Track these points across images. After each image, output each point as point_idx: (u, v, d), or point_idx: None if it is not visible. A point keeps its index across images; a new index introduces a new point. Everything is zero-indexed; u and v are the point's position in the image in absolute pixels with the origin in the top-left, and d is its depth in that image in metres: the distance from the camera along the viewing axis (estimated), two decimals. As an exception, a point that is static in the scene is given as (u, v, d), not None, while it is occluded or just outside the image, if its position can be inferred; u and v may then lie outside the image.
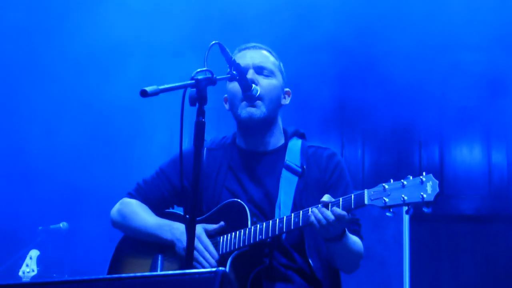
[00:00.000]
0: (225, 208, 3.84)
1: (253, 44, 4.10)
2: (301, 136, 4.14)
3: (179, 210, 4.13)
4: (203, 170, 3.95)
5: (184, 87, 3.13)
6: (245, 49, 4.08)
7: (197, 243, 3.69)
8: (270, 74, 3.98)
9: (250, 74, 3.89)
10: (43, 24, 8.15)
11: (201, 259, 3.67)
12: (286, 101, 4.11)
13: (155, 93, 3.05)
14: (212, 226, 3.79)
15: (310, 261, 3.73)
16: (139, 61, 8.09)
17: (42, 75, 8.11)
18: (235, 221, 3.72)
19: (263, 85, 3.90)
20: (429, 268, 7.90)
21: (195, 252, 3.67)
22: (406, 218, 6.48)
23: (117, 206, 4.16)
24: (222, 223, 3.78)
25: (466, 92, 8.28)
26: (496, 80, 8.17)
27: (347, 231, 3.61)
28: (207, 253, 3.68)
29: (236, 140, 4.13)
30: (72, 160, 8.06)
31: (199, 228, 3.75)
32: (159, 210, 4.10)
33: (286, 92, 4.11)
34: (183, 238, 3.67)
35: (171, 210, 4.17)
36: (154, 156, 7.99)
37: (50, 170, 7.96)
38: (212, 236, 3.77)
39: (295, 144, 4.05)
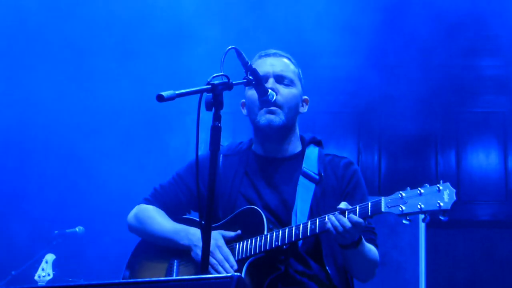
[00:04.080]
0: (242, 214, 3.83)
1: (274, 51, 4.08)
2: (318, 143, 4.12)
3: (196, 216, 4.12)
4: (219, 176, 3.94)
5: (200, 92, 3.12)
6: (265, 56, 4.05)
7: (217, 252, 3.70)
8: (290, 83, 3.97)
9: (270, 83, 3.87)
10: (62, 25, 8.17)
11: (220, 269, 3.66)
12: (304, 109, 4.10)
13: (172, 98, 3.04)
14: (229, 234, 3.78)
15: (328, 269, 3.71)
16: (155, 65, 8.11)
17: (57, 80, 8.13)
18: (252, 227, 3.71)
19: (283, 94, 3.89)
20: (445, 274, 7.87)
21: (214, 261, 3.67)
22: (422, 224, 6.46)
23: (134, 211, 4.17)
24: (239, 231, 3.78)
25: (483, 98, 8.26)
26: (513, 86, 8.15)
27: (363, 239, 3.60)
28: (226, 264, 3.67)
29: (252, 146, 4.11)
30: (88, 164, 8.08)
31: (217, 235, 3.75)
32: (175, 215, 4.09)
33: (304, 100, 4.11)
34: (200, 244, 3.67)
35: (187, 216, 4.16)
36: (170, 161, 8.01)
37: (66, 174, 7.98)
38: (229, 243, 3.77)
39: (312, 152, 4.03)
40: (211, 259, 3.66)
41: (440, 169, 8.13)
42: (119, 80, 7.91)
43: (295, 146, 4.06)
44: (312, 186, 3.87)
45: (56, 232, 7.25)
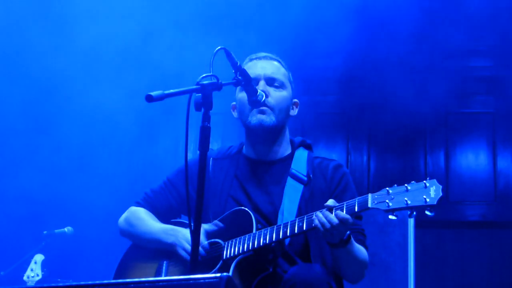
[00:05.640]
0: (231, 215, 3.84)
1: (264, 54, 4.11)
2: (308, 147, 4.15)
3: (186, 220, 4.13)
4: (209, 179, 3.95)
5: (190, 92, 3.14)
6: (256, 59, 4.08)
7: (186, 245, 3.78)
8: (281, 85, 4.00)
9: (261, 86, 3.91)
10: (46, 24, 8.13)
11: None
12: (294, 112, 4.14)
13: (161, 98, 3.05)
14: (211, 228, 3.80)
15: (316, 268, 3.72)
16: (144, 65, 8.09)
17: (45, 79, 8.11)
18: (241, 228, 3.72)
19: (273, 96, 3.92)
20: (434, 275, 7.89)
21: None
22: (411, 224, 6.46)
23: (124, 215, 4.19)
24: (220, 224, 3.81)
25: (472, 98, 8.28)
26: (502, 86, 8.17)
27: (352, 238, 3.60)
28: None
29: (243, 150, 4.14)
30: (78, 164, 8.07)
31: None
32: (166, 219, 4.11)
33: (295, 103, 4.14)
34: (183, 240, 3.73)
35: (178, 219, 4.17)
36: (160, 161, 8.00)
37: (55, 174, 7.96)
38: (213, 236, 3.78)
39: (302, 154, 4.06)
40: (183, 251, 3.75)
41: (429, 169, 8.15)
42: (108, 80, 7.89)
43: (285, 148, 4.08)
44: (300, 187, 3.89)
45: (45, 232, 7.23)
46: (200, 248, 3.72)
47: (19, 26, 8.13)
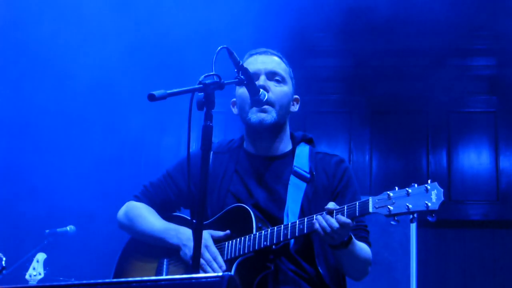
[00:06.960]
0: (231, 212, 3.81)
1: (264, 49, 4.07)
2: (309, 141, 4.11)
3: (185, 213, 4.11)
4: (209, 173, 3.91)
5: (192, 91, 3.12)
6: (256, 54, 4.04)
7: (205, 252, 3.68)
8: (282, 80, 3.96)
9: (262, 81, 3.87)
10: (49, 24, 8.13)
11: (208, 269, 3.65)
12: (295, 108, 4.10)
13: (163, 97, 3.05)
14: (218, 233, 3.76)
15: (319, 269, 3.71)
16: (146, 64, 8.09)
17: (48, 77, 8.11)
18: (240, 226, 3.70)
19: (274, 91, 3.88)
20: (436, 274, 7.88)
21: (202, 261, 3.66)
22: (413, 223, 6.46)
23: (123, 209, 4.15)
24: (228, 231, 3.76)
25: (474, 97, 8.28)
26: (504, 85, 8.16)
27: (353, 238, 3.59)
28: (215, 264, 3.66)
29: (243, 144, 4.10)
30: (79, 162, 8.07)
31: (206, 235, 3.72)
32: (165, 213, 4.08)
33: (295, 99, 4.10)
34: (189, 243, 3.68)
35: (177, 213, 4.15)
36: (162, 160, 8.00)
37: (57, 173, 7.96)
38: (218, 243, 3.76)
39: (303, 150, 4.02)
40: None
41: (431, 169, 8.14)
42: (111, 78, 7.89)
43: (286, 144, 4.04)
44: (303, 185, 3.85)
45: (47, 231, 7.22)
46: (214, 264, 3.68)
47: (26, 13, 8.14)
